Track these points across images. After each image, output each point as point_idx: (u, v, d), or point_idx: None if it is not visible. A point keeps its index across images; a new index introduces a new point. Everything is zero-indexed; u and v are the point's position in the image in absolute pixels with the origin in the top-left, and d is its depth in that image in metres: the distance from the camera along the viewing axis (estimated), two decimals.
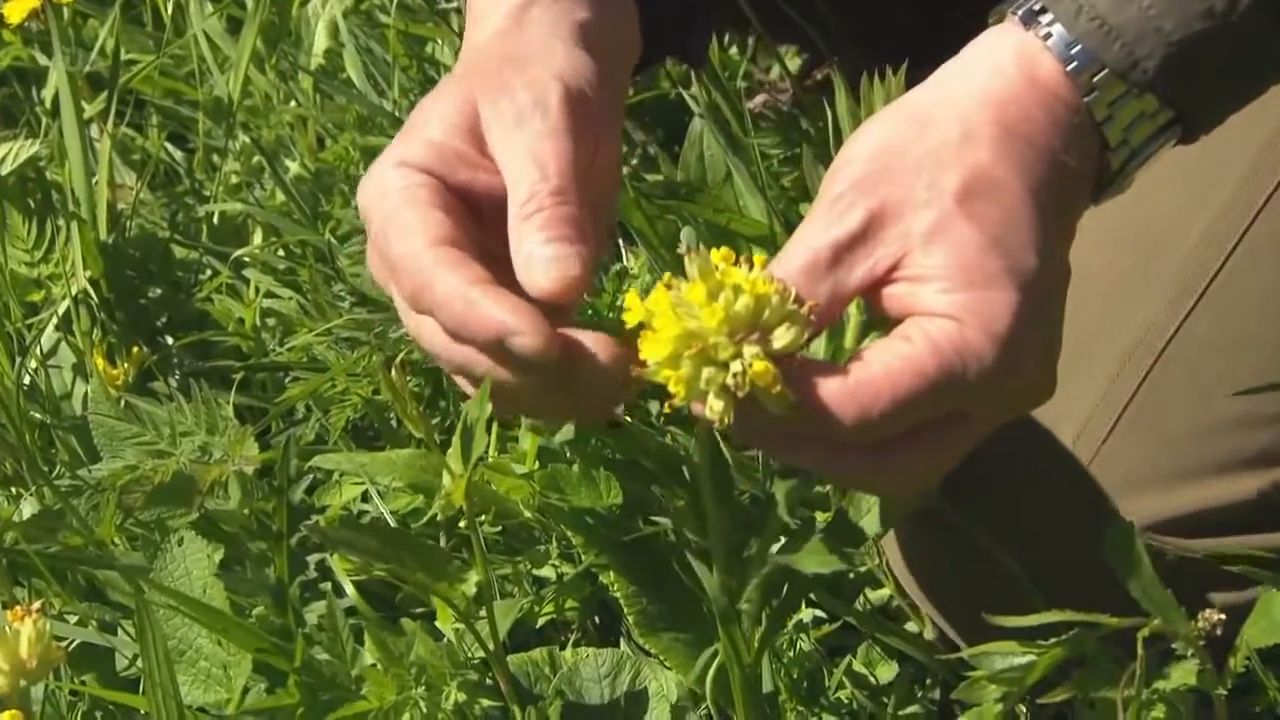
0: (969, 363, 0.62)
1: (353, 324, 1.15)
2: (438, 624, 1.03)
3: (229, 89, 1.41)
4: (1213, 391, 0.87)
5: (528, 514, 1.06)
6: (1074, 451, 0.89)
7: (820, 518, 0.96)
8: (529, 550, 1.08)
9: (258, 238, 1.36)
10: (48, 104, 1.49)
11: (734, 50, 1.41)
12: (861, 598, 1.04)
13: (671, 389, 0.61)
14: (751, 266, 0.62)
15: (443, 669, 0.95)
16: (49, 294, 1.29)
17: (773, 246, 1.05)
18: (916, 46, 0.80)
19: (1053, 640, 0.88)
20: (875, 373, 0.62)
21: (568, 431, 1.04)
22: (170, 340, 1.29)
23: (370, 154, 1.36)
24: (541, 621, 1.07)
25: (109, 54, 1.48)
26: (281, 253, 1.34)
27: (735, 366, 0.60)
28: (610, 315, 1.14)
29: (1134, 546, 0.81)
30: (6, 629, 0.80)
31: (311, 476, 1.11)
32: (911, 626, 1.01)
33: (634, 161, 1.33)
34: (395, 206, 0.69)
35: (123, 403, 1.10)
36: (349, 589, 1.03)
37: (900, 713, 0.99)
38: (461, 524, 1.03)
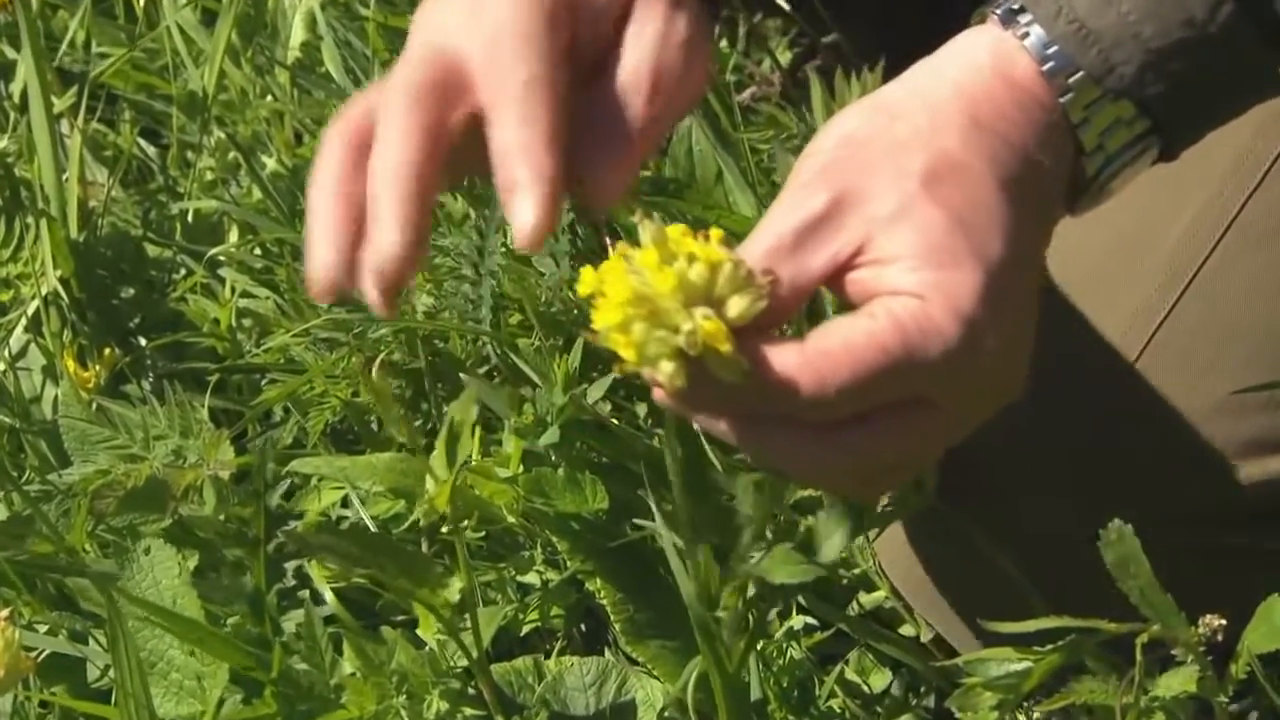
0: (931, 340, 0.61)
1: (331, 324, 1.12)
2: (419, 633, 1.01)
3: (203, 83, 1.38)
4: (1201, 379, 0.87)
5: (512, 519, 1.04)
6: None
7: (803, 524, 0.95)
8: (513, 556, 1.06)
9: (233, 236, 1.34)
10: (16, 98, 1.46)
11: (724, 43, 1.40)
12: (855, 602, 1.02)
13: (622, 353, 0.60)
14: (708, 240, 0.61)
15: (425, 678, 0.93)
16: (17, 294, 1.26)
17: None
18: (919, 50, 0.79)
19: (1049, 646, 0.86)
20: (834, 344, 0.61)
21: (552, 435, 1.02)
22: (143, 341, 1.27)
23: None
24: (526, 629, 1.05)
25: (79, 47, 1.46)
26: (258, 251, 1.31)
27: (686, 326, 0.60)
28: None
29: (1131, 547, 0.80)
30: None
31: (289, 481, 1.09)
32: (907, 630, 1.00)
33: None
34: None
35: (94, 406, 1.07)
36: (328, 596, 1.01)
37: None
38: (444, 530, 1.01)
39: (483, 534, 1.07)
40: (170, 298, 1.29)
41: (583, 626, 1.07)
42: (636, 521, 1.00)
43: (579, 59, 0.70)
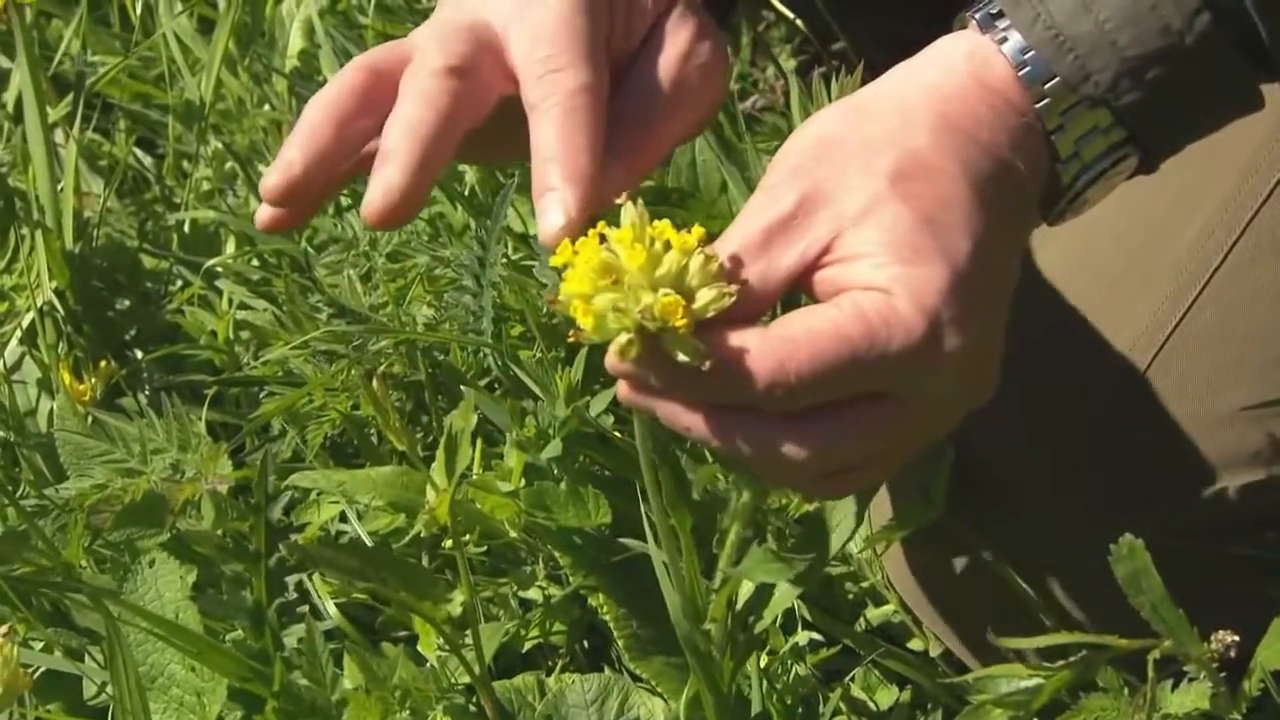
0: (895, 333, 0.61)
1: (330, 336, 1.11)
2: (420, 648, 0.99)
3: (200, 92, 1.37)
4: (1212, 387, 0.87)
5: (513, 534, 1.03)
6: None
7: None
8: (514, 571, 1.05)
9: (230, 247, 1.33)
10: (9, 108, 1.45)
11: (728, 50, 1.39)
12: (861, 617, 1.01)
13: (580, 320, 0.61)
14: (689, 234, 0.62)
15: (427, 693, 0.92)
16: (12, 306, 1.25)
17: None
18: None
19: (1060, 663, 0.86)
20: (795, 330, 0.61)
21: (555, 448, 1.01)
22: (139, 354, 1.25)
23: None
24: (528, 645, 1.04)
25: (74, 55, 1.44)
26: (256, 262, 1.30)
27: (646, 299, 0.60)
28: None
29: (1142, 562, 0.79)
30: None
31: (288, 495, 1.08)
32: (915, 645, 0.99)
33: None
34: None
35: (90, 419, 1.06)
36: (331, 610, 1.00)
37: None
38: (445, 544, 1.00)
39: (484, 549, 1.06)
40: (167, 309, 1.28)
41: (585, 643, 1.06)
42: (625, 541, 0.99)
43: (610, 58, 0.71)
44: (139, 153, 1.45)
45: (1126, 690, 0.84)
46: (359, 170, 0.70)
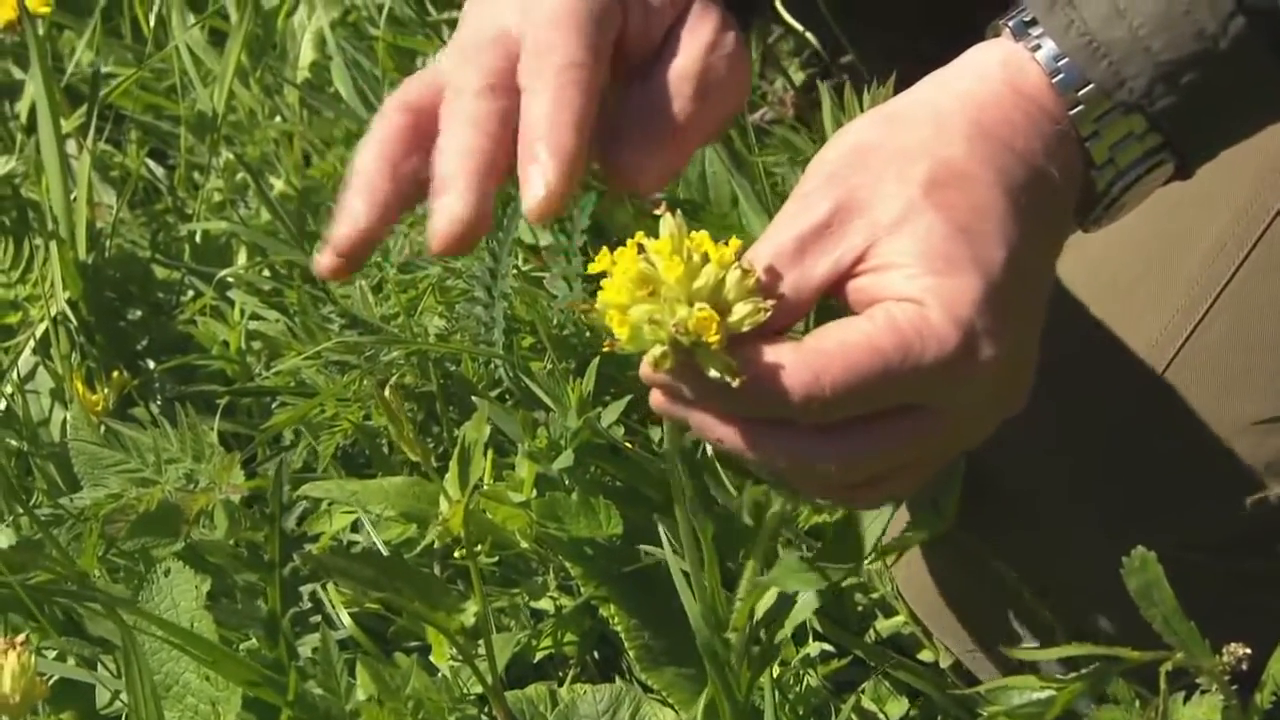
0: (928, 345, 0.61)
1: (342, 347, 1.11)
2: (432, 659, 1.00)
3: (213, 103, 1.38)
4: (1227, 395, 0.86)
5: (525, 544, 1.03)
6: None
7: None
8: (526, 582, 1.05)
9: (242, 258, 1.33)
10: (23, 119, 1.45)
11: None
12: (872, 629, 1.01)
13: (616, 331, 0.61)
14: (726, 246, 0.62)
15: (440, 704, 0.92)
16: (26, 316, 1.25)
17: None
18: (934, 63, 0.79)
19: (1072, 674, 0.86)
20: (830, 343, 0.61)
21: (566, 459, 1.01)
22: (152, 364, 1.25)
23: None
24: (539, 656, 1.04)
25: (86, 67, 1.45)
26: (267, 273, 1.31)
27: (682, 312, 0.60)
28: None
29: (1154, 574, 0.79)
30: None
31: (301, 505, 1.08)
32: (926, 656, 0.99)
33: None
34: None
35: (103, 429, 1.06)
36: (345, 620, 1.00)
37: None
38: (457, 554, 1.01)
39: (496, 559, 1.06)
40: (179, 320, 1.28)
41: (596, 653, 1.06)
42: (643, 548, 0.99)
43: (629, 54, 0.71)
44: (151, 164, 1.45)
45: (1138, 702, 0.84)
46: (409, 207, 0.71)
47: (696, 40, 0.71)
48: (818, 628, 1.00)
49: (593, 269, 0.62)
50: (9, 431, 1.15)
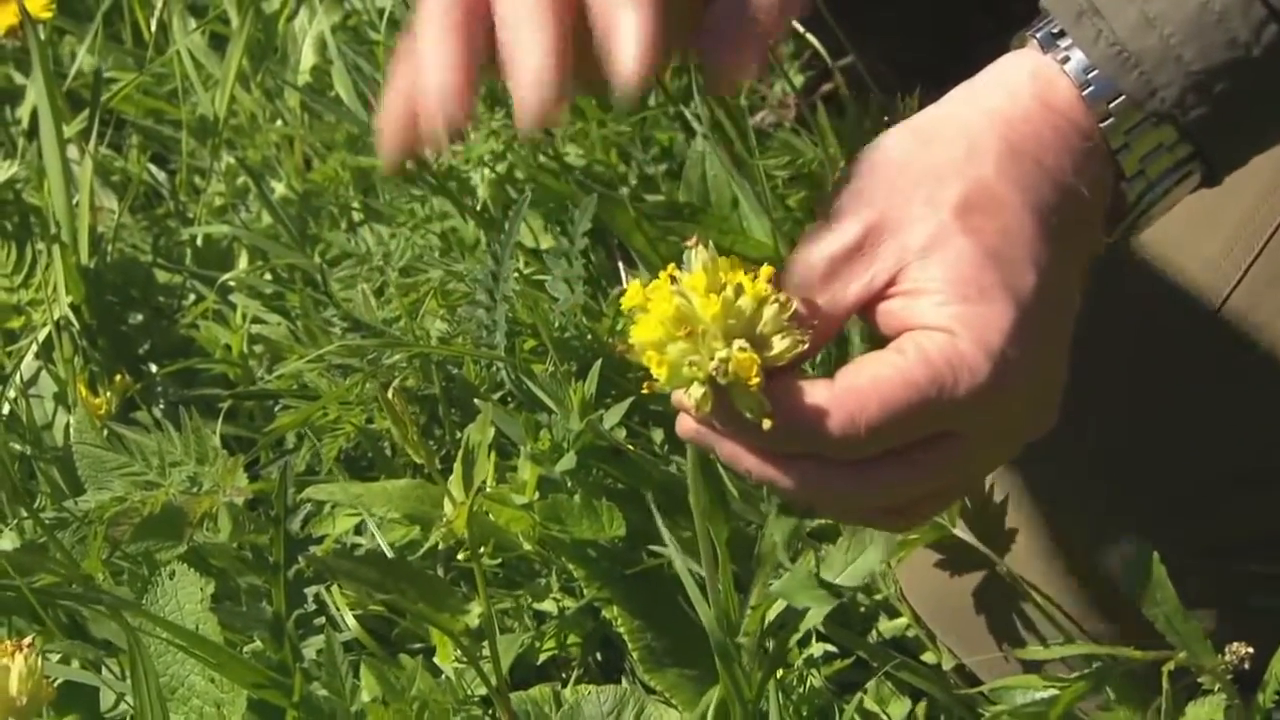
0: (960, 376, 0.61)
1: (345, 350, 1.12)
2: (436, 660, 1.00)
3: (214, 107, 1.38)
4: None
5: (528, 546, 1.03)
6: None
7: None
8: (529, 584, 1.05)
9: (243, 261, 1.33)
10: (24, 124, 1.45)
11: None
12: (875, 630, 1.01)
13: (654, 371, 0.61)
14: (757, 275, 0.62)
15: (445, 705, 0.93)
16: (29, 320, 1.25)
17: (779, 268, 1.04)
18: (938, 69, 0.79)
19: (1075, 674, 0.86)
20: (863, 381, 0.61)
21: (569, 461, 1.01)
22: (154, 368, 1.26)
23: (360, 174, 1.34)
24: (542, 658, 1.04)
25: (87, 72, 1.45)
26: (269, 277, 1.31)
27: (722, 353, 0.60)
28: (610, 340, 1.12)
29: (1156, 573, 0.80)
30: None
31: (305, 508, 1.08)
32: (929, 657, 0.99)
33: (633, 182, 1.31)
34: None
35: (106, 433, 1.06)
36: (350, 622, 1.00)
37: None
38: (460, 556, 1.01)
39: (498, 561, 1.06)
40: (180, 324, 1.29)
41: (599, 655, 1.06)
42: (652, 548, 0.99)
43: None
44: (152, 168, 1.45)
45: (1140, 703, 0.85)
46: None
47: None
48: (821, 629, 1.00)
49: (625, 304, 0.61)
50: (13, 435, 1.15)
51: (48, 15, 1.28)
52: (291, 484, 0.95)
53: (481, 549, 1.04)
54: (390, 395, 0.98)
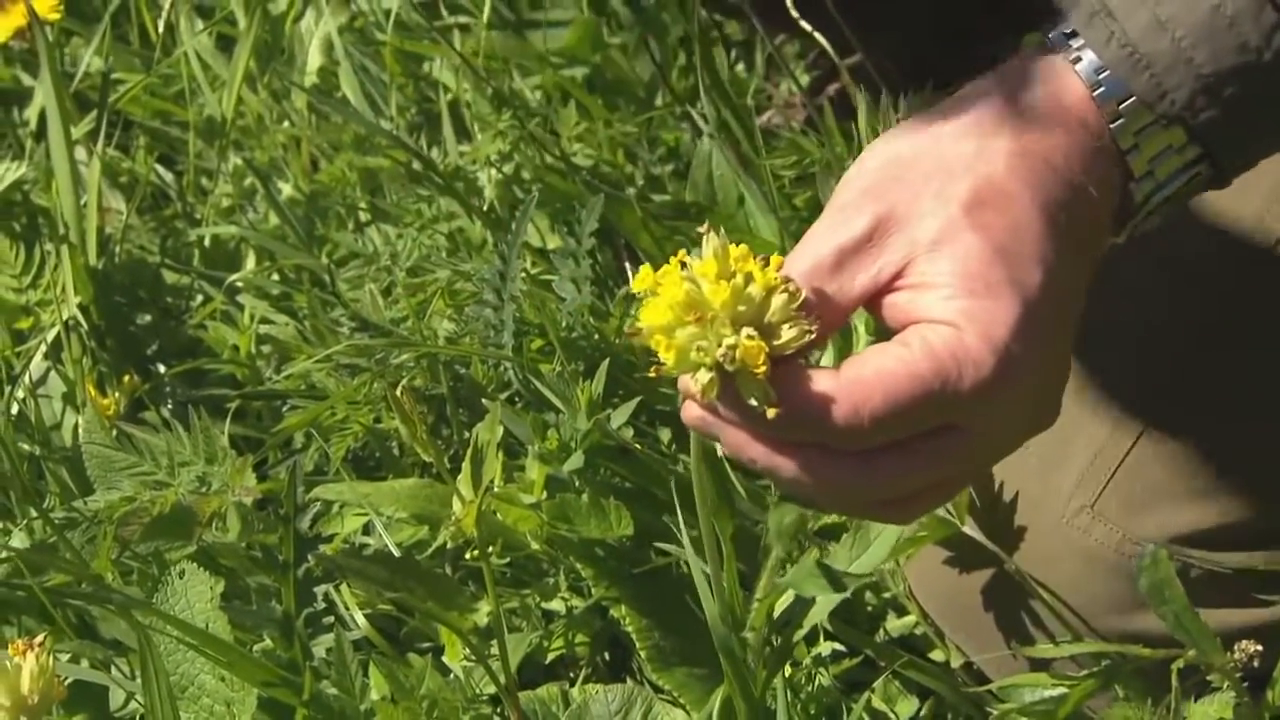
0: (965, 370, 0.61)
1: (353, 350, 1.12)
2: (445, 659, 1.00)
3: (221, 108, 1.38)
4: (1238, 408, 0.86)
5: (536, 545, 1.04)
6: (1092, 464, 0.88)
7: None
8: (537, 583, 1.05)
9: (251, 262, 1.34)
10: (32, 125, 1.45)
11: (742, 66, 1.40)
12: (882, 628, 1.01)
13: (662, 355, 0.61)
14: (767, 265, 0.62)
15: (454, 704, 0.93)
16: (38, 321, 1.25)
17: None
18: (942, 67, 0.79)
19: (1084, 672, 0.86)
20: (867, 372, 0.61)
21: (576, 460, 1.02)
22: (162, 368, 1.26)
23: (367, 175, 1.34)
24: (550, 657, 1.04)
25: (95, 73, 1.45)
26: (276, 277, 1.31)
27: (730, 340, 0.60)
28: (617, 341, 1.12)
29: (1166, 571, 0.80)
30: (8, 664, 0.78)
31: (314, 508, 1.09)
32: (936, 656, 0.99)
33: (640, 182, 1.31)
34: None
35: (115, 433, 1.06)
36: (360, 620, 1.00)
37: None
38: (469, 555, 1.01)
39: (507, 560, 1.06)
40: (188, 324, 1.29)
41: (607, 654, 1.06)
42: (660, 546, 0.99)
43: None
44: (160, 169, 1.46)
45: (1149, 700, 0.85)
46: None
47: None
48: (829, 627, 1.00)
49: (635, 287, 0.62)
50: (22, 435, 1.15)
51: (55, 17, 1.28)
52: (300, 483, 0.96)
53: (490, 548, 1.04)
54: (398, 395, 0.98)
